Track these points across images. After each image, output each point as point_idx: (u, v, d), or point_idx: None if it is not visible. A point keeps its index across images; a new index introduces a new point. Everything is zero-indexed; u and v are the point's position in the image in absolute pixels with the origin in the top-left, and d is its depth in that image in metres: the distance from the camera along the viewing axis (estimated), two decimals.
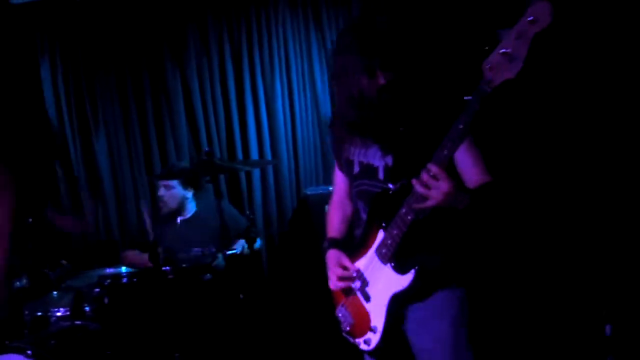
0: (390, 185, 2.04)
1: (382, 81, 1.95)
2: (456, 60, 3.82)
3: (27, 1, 4.18)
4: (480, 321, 2.15)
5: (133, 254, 3.93)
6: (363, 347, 2.11)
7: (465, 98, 1.75)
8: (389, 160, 2.06)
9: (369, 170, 2.12)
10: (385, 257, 2.01)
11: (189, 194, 4.05)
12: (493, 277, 3.62)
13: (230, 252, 3.39)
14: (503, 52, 1.61)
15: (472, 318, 2.08)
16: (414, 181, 1.82)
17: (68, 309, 3.29)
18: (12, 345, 2.95)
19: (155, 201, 4.17)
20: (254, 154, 4.59)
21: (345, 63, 1.98)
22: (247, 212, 4.11)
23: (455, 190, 1.80)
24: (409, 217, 1.91)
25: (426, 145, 1.87)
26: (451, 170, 1.90)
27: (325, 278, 2.26)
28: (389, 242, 1.99)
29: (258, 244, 3.93)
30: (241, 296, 3.49)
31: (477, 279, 2.18)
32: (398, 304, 2.02)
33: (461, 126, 1.73)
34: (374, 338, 2.06)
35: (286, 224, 4.64)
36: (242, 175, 4.60)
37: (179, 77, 4.59)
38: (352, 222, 2.33)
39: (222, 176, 4.52)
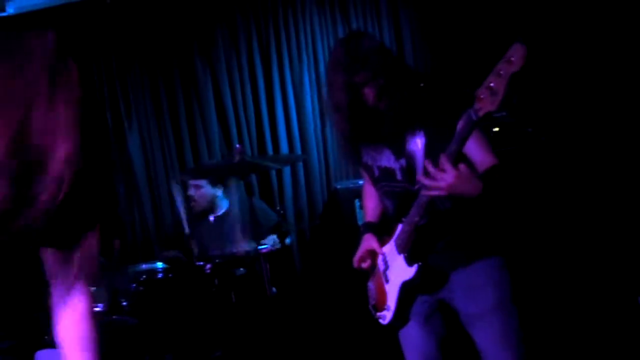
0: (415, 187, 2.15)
1: (373, 92, 2.08)
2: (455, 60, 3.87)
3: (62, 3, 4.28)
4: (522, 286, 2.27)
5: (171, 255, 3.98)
6: (380, 321, 2.34)
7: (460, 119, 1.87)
8: (403, 162, 2.18)
9: (387, 173, 2.25)
10: (400, 247, 2.20)
11: (219, 191, 4.10)
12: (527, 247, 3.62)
13: (261, 247, 3.43)
14: (489, 86, 1.75)
15: (514, 282, 2.21)
16: (420, 177, 1.98)
17: (105, 304, 3.37)
18: (51, 340, 3.06)
19: (188, 200, 4.23)
20: (284, 149, 4.64)
21: (334, 80, 2.13)
22: (278, 207, 4.15)
23: (463, 179, 1.90)
24: (415, 219, 2.09)
25: (435, 144, 2.04)
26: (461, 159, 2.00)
27: (357, 271, 2.42)
28: (403, 235, 2.17)
29: (289, 239, 3.97)
30: (274, 290, 3.54)
31: (513, 249, 2.31)
32: (407, 291, 2.21)
33: (454, 146, 1.89)
34: (388, 315, 2.28)
35: (317, 218, 4.68)
36: (273, 171, 4.64)
37: (209, 75, 4.65)
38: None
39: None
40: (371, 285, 2.42)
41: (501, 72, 1.71)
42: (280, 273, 3.80)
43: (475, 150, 2.07)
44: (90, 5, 4.53)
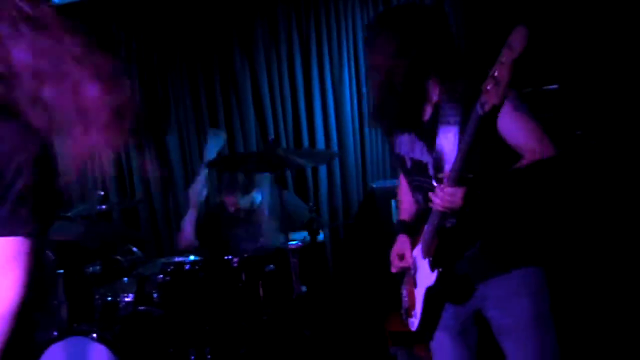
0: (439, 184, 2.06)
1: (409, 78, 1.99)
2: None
3: None
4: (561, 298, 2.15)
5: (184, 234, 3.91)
6: (410, 327, 2.24)
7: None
8: (435, 156, 2.06)
9: (419, 167, 2.14)
10: (425, 251, 2.09)
11: (255, 193, 4.03)
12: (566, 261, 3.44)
13: (291, 242, 3.37)
14: (494, 75, 1.66)
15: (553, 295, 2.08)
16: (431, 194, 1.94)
17: (133, 294, 3.36)
18: (78, 328, 3.06)
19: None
20: (321, 145, 4.56)
21: (374, 58, 2.06)
22: (312, 203, 4.06)
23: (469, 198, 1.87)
24: (436, 221, 1.99)
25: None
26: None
27: (389, 273, 2.33)
28: (427, 237, 2.06)
29: (321, 236, 3.87)
30: (304, 288, 3.47)
31: (553, 260, 2.16)
32: (430, 297, 2.10)
33: (464, 144, 1.81)
34: (415, 322, 2.18)
35: (352, 217, 4.59)
36: (308, 167, 4.57)
37: (247, 69, 4.62)
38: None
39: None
40: (404, 289, 2.31)
41: (503, 59, 1.63)
42: (312, 271, 3.72)
43: (515, 133, 1.92)
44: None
